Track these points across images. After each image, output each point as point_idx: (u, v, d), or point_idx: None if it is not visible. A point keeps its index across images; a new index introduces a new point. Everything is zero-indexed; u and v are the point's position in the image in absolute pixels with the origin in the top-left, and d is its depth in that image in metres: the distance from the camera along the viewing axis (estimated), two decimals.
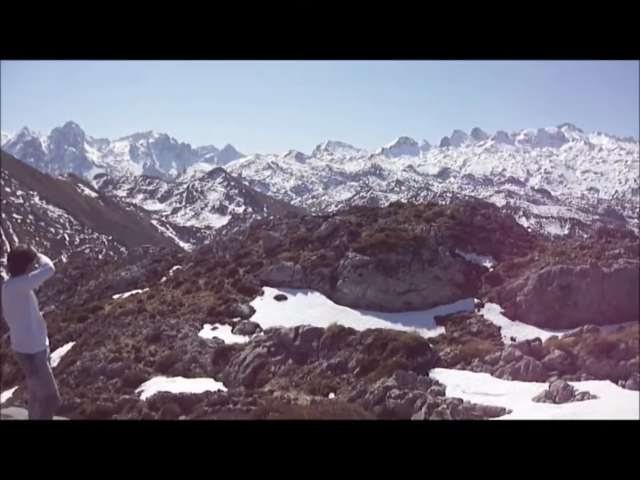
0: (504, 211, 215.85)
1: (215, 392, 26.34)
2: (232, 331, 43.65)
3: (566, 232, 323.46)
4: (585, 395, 25.48)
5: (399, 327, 40.18)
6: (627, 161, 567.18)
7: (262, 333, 38.79)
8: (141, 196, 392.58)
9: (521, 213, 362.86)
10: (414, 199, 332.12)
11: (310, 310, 45.54)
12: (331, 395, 28.08)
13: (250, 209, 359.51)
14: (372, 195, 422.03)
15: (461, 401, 24.29)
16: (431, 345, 33.71)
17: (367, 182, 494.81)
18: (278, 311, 46.28)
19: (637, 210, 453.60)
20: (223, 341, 40.55)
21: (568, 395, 25.70)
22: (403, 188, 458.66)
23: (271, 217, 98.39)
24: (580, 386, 26.71)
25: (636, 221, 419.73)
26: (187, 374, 35.46)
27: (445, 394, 26.02)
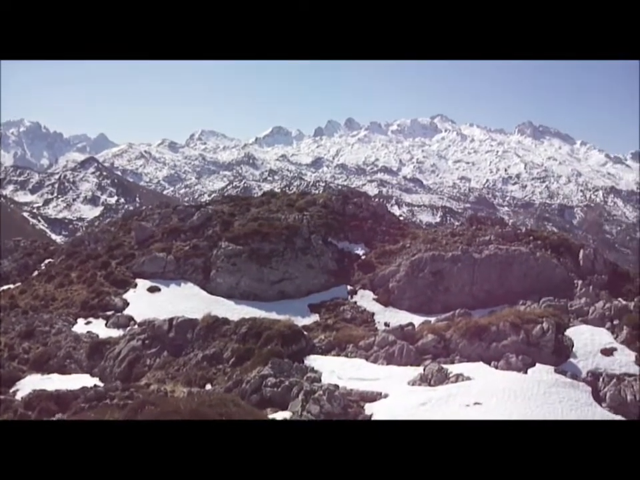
0: (376, 199, 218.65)
1: (91, 388, 25.93)
2: (106, 324, 42.98)
3: (438, 220, 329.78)
4: (459, 377, 26.18)
5: (273, 315, 40.29)
6: (497, 152, 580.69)
7: (136, 326, 38.37)
8: (11, 187, 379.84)
9: (393, 201, 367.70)
10: (287, 188, 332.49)
11: (184, 301, 45.22)
12: (208, 386, 28.06)
13: (122, 200, 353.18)
14: (245, 185, 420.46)
15: (337, 386, 24.51)
16: (305, 333, 33.96)
17: (240, 171, 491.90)
18: (151, 303, 45.77)
19: (507, 198, 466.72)
20: (97, 335, 39.83)
21: (442, 378, 26.34)
22: (276, 177, 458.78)
23: (144, 207, 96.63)
24: (454, 368, 27.42)
25: (506, 208, 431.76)
26: (63, 370, 34.59)
27: (320, 380, 26.19)
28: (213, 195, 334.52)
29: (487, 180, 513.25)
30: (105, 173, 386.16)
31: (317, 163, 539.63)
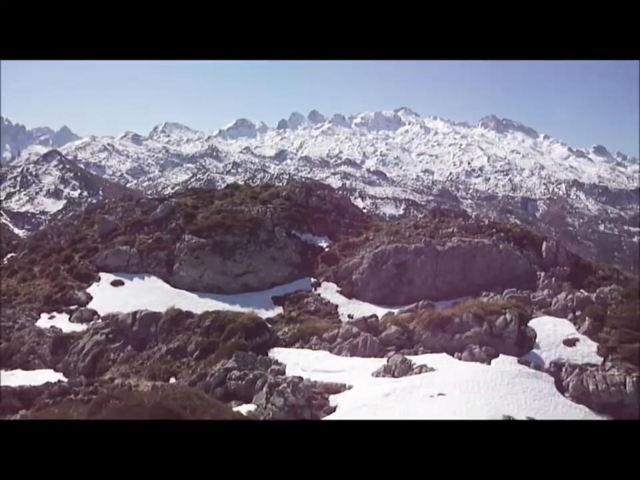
0: (340, 192, 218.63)
1: (55, 383, 25.62)
2: (70, 319, 42.63)
3: (401, 212, 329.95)
4: (422, 368, 26.35)
5: (237, 308, 40.28)
6: (461, 145, 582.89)
7: (100, 320, 38.10)
8: None
9: (356, 194, 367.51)
10: (251, 180, 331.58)
11: (147, 295, 44.99)
12: (172, 380, 27.97)
13: (85, 193, 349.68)
14: (209, 177, 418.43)
15: (301, 379, 24.54)
16: (269, 325, 33.94)
17: (203, 164, 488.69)
18: (115, 296, 45.48)
19: (471, 191, 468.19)
20: (61, 330, 39.49)
21: (406, 369, 26.47)
22: (239, 170, 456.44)
23: (107, 201, 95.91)
24: (417, 359, 27.59)
25: (469, 201, 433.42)
26: (26, 366, 34.28)
27: (285, 373, 26.29)
28: (176, 188, 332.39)
29: (451, 173, 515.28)
30: (68, 166, 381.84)
31: (280, 155, 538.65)
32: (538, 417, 22.81)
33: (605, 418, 25.69)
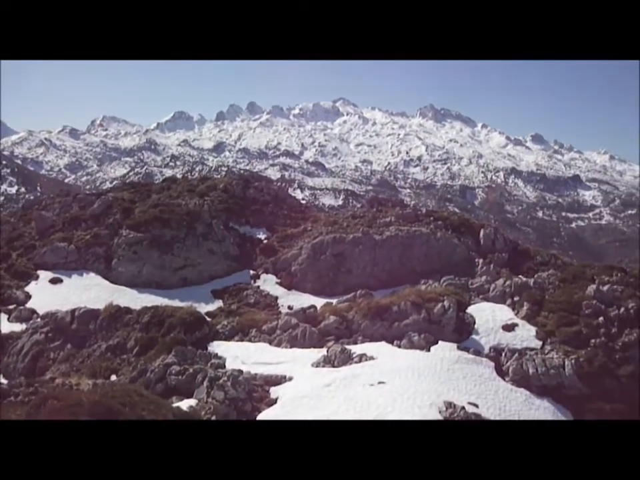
0: (278, 183, 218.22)
1: None
2: (8, 319, 41.82)
3: (340, 203, 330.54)
4: (362, 357, 26.51)
5: (176, 303, 40.08)
6: (399, 135, 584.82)
7: (39, 319, 37.55)
8: None
9: (295, 185, 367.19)
10: (189, 173, 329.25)
11: (86, 291, 44.44)
12: (113, 377, 27.75)
13: (23, 189, 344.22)
14: (147, 171, 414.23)
15: (241, 372, 24.57)
16: (208, 319, 33.85)
17: (142, 157, 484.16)
18: (54, 294, 44.76)
19: (409, 180, 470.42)
20: None
21: (346, 358, 26.60)
22: (178, 163, 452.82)
23: (45, 197, 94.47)
24: (357, 348, 27.74)
25: (408, 190, 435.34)
26: None
27: (225, 366, 26.19)
28: (114, 182, 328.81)
29: (389, 163, 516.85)
30: (4, 162, 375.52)
31: (218, 147, 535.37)
32: (479, 402, 23.10)
33: (545, 400, 26.15)
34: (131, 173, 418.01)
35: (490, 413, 22.66)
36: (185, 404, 21.79)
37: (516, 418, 23.30)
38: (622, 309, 32.89)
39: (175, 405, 21.34)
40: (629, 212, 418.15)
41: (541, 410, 25.40)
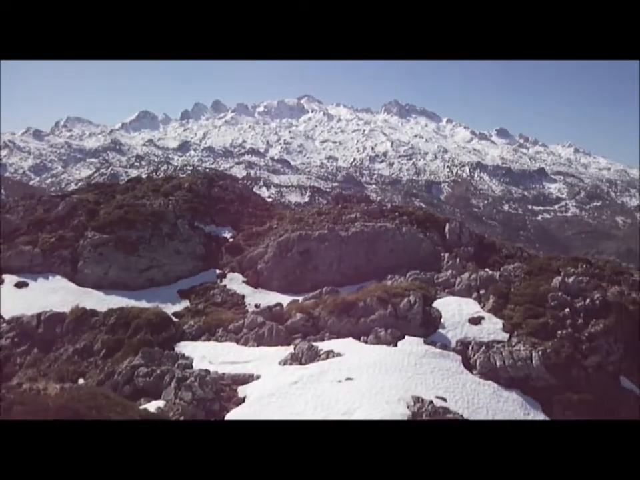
0: (244, 181, 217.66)
1: None
2: None
3: (306, 200, 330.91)
4: (329, 354, 26.55)
5: (143, 304, 39.89)
6: (364, 131, 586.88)
7: (4, 324, 37.24)
8: None
9: (261, 183, 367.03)
10: (155, 173, 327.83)
11: (52, 295, 43.98)
12: (81, 381, 27.57)
13: None
14: (112, 171, 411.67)
15: (208, 372, 24.55)
16: (175, 319, 33.77)
17: (107, 158, 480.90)
18: (19, 298, 44.21)
19: (375, 176, 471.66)
20: None
21: (313, 355, 26.63)
22: (143, 163, 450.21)
23: (9, 200, 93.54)
24: (324, 345, 27.79)
25: (374, 186, 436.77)
26: None
27: (192, 367, 26.16)
28: (79, 184, 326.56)
29: (354, 159, 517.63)
30: None
31: (184, 146, 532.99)
32: (447, 396, 23.22)
33: (513, 392, 26.34)
34: (96, 174, 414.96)
35: (458, 406, 22.78)
36: (153, 405, 21.76)
37: (484, 411, 23.44)
38: (588, 300, 33.25)
39: (142, 406, 21.30)
40: (594, 204, 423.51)
41: (509, 402, 25.57)
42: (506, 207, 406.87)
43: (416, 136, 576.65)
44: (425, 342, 28.82)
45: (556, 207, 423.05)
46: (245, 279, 46.51)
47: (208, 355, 28.21)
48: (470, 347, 29.23)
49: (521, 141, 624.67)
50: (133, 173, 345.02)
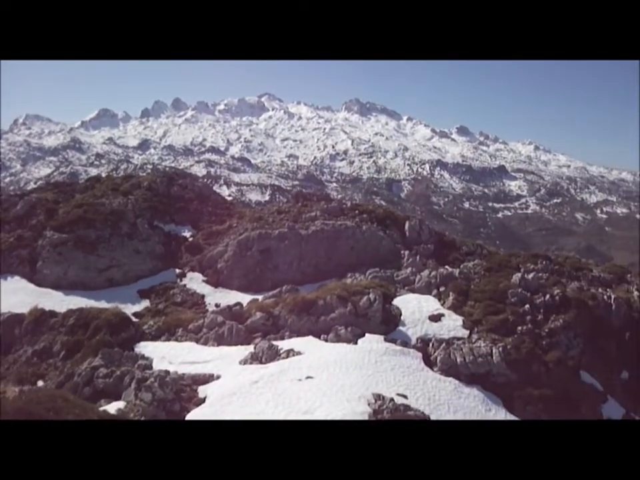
0: (204, 180, 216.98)
1: None
2: None
3: (267, 198, 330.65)
4: (289, 352, 26.59)
5: (103, 304, 39.59)
6: (325, 129, 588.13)
7: None
8: None
9: (222, 181, 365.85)
10: (115, 172, 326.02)
11: (11, 296, 43.40)
12: (40, 383, 27.33)
13: None
14: (72, 170, 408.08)
15: (168, 372, 24.50)
16: (134, 319, 33.60)
17: (66, 156, 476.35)
18: None
19: (335, 174, 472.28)
20: None
21: (273, 355, 26.65)
22: (103, 161, 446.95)
23: None
24: (284, 344, 27.80)
25: (334, 184, 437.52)
26: None
27: (152, 367, 26.09)
28: (39, 182, 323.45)
29: (315, 157, 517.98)
30: None
31: (144, 145, 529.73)
32: (408, 393, 23.33)
33: (474, 389, 26.54)
34: (55, 173, 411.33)
35: (419, 403, 22.90)
36: (113, 407, 21.62)
37: (445, 407, 23.60)
38: (547, 296, 33.63)
39: (102, 408, 21.17)
40: (554, 201, 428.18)
41: (471, 398, 25.77)
42: (466, 205, 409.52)
43: (376, 134, 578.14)
44: (385, 339, 28.92)
45: (516, 204, 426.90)
46: (204, 278, 46.34)
47: (168, 355, 28.10)
48: (430, 344, 29.39)
49: (481, 138, 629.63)
50: (93, 171, 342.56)
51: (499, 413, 25.78)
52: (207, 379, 25.17)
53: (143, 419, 20.86)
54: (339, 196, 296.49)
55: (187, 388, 24.23)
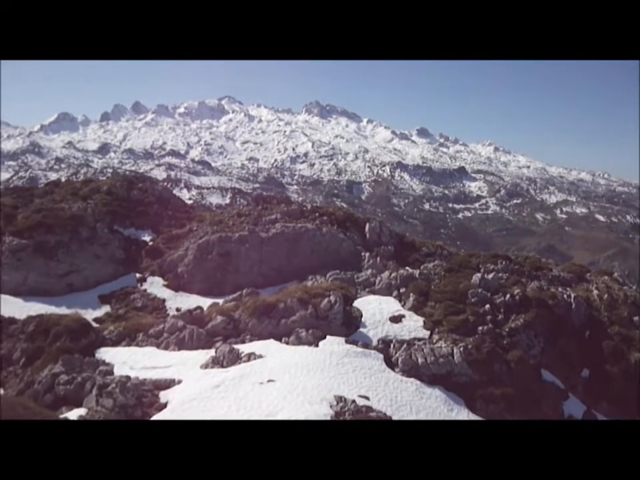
0: (165, 183, 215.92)
1: None
2: None
3: (228, 201, 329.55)
4: (251, 356, 26.61)
5: (63, 310, 39.24)
6: (285, 131, 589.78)
7: None
8: None
9: (182, 184, 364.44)
10: (74, 176, 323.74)
11: None
12: (1, 391, 27.13)
13: None
14: (31, 175, 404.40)
15: (129, 378, 24.41)
16: (95, 325, 33.39)
17: (25, 161, 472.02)
18: None
19: (296, 177, 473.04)
20: None
21: (234, 358, 26.65)
22: (63, 165, 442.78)
23: None
24: (245, 348, 27.82)
25: (295, 187, 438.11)
26: None
27: (113, 373, 25.97)
28: None
29: (276, 160, 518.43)
30: None
31: (104, 149, 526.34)
32: (370, 394, 23.46)
33: (436, 389, 26.74)
34: (14, 177, 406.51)
35: (381, 404, 23.03)
36: (75, 413, 21.56)
37: (407, 408, 23.74)
38: (507, 296, 34.00)
39: (63, 415, 21.11)
40: (514, 201, 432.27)
41: (433, 398, 25.94)
42: (427, 206, 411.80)
43: (337, 136, 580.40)
44: (347, 341, 29.04)
45: (476, 204, 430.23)
46: (165, 283, 46.13)
47: (129, 361, 27.97)
48: (391, 345, 29.55)
49: (441, 140, 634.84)
50: (53, 176, 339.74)
51: (461, 413, 25.99)
52: (168, 384, 25.09)
53: None
54: (300, 198, 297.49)
55: (148, 393, 24.12)
